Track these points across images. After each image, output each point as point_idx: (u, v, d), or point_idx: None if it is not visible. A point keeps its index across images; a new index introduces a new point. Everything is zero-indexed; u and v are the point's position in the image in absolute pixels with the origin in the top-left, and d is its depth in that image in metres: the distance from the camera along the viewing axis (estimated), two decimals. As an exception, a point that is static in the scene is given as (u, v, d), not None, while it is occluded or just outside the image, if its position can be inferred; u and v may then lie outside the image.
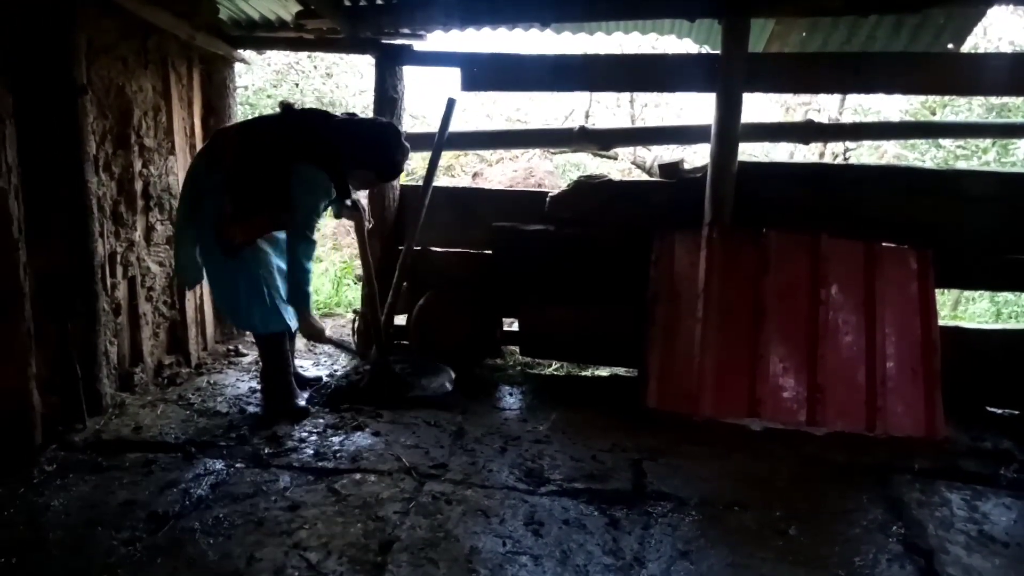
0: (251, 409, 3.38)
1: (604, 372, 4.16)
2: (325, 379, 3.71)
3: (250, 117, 3.27)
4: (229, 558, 2.21)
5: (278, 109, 3.21)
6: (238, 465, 2.80)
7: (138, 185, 3.47)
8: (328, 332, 3.43)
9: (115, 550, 2.24)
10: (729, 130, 3.54)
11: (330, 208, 3.36)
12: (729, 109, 3.52)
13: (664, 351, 3.45)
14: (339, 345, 3.73)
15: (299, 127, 3.11)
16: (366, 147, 3.14)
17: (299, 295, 3.13)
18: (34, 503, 2.50)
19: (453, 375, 3.70)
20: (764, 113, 10.00)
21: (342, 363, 4.07)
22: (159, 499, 2.54)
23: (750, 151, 8.33)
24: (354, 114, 3.35)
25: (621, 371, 4.09)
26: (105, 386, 3.21)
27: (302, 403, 3.35)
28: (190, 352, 3.88)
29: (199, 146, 3.93)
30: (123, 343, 3.43)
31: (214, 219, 3.07)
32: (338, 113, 3.27)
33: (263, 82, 9.60)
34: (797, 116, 9.37)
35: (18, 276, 2.77)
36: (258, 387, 3.52)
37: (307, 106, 3.28)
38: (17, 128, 2.74)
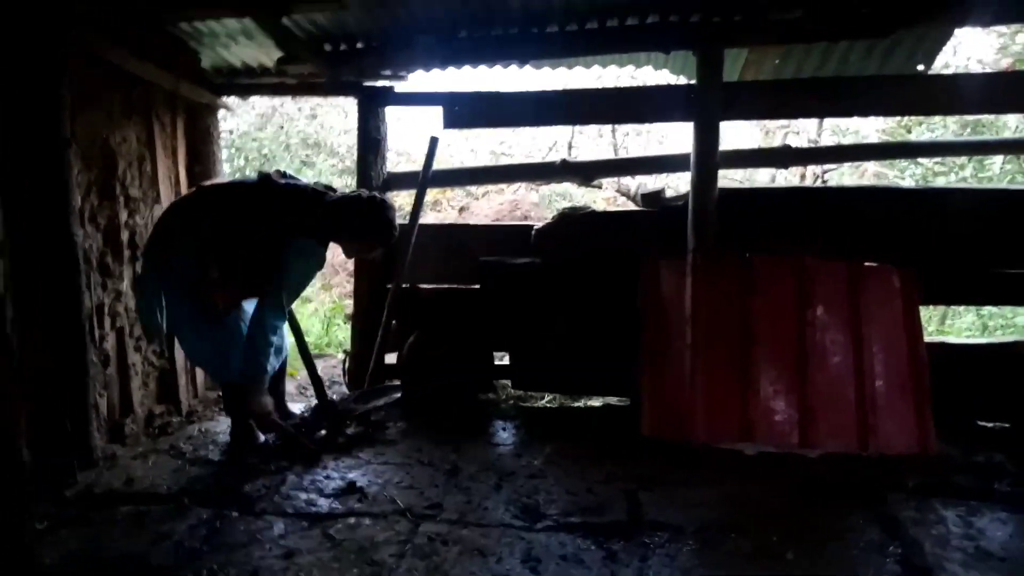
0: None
1: (597, 402, 4.16)
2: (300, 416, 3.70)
3: (228, 180, 3.29)
4: (225, 610, 2.18)
5: (255, 176, 3.30)
6: (232, 514, 2.76)
7: (124, 235, 3.48)
8: (272, 411, 3.31)
9: (110, 606, 2.21)
10: (708, 158, 3.60)
11: None
12: (707, 137, 3.59)
13: (656, 378, 3.46)
14: (285, 433, 3.37)
15: (291, 203, 3.18)
16: (364, 224, 3.24)
17: (255, 366, 3.15)
18: (29, 559, 2.46)
19: (398, 388, 3.81)
20: (744, 136, 10.15)
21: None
22: (153, 552, 2.51)
23: (732, 176, 8.44)
24: (333, 188, 3.41)
25: (614, 400, 4.09)
26: (96, 439, 3.18)
27: (261, 439, 3.42)
28: (180, 400, 3.86)
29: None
30: (113, 394, 3.41)
31: (192, 280, 3.12)
32: (319, 186, 3.35)
33: (247, 126, 9.68)
34: (777, 138, 9.50)
35: (5, 331, 2.75)
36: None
37: (285, 173, 3.35)
38: (1, 182, 2.75)
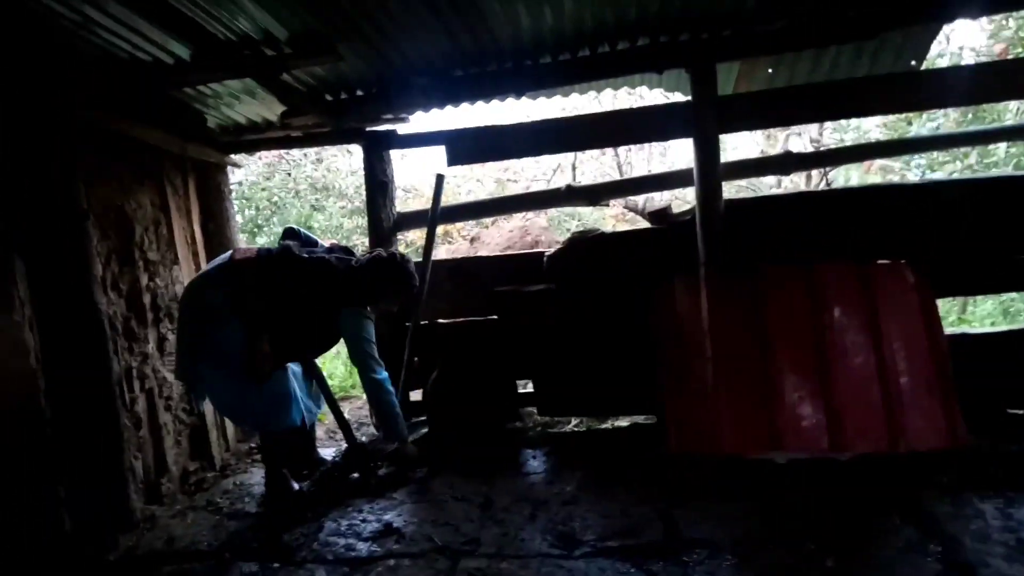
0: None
1: (624, 422, 4.17)
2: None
3: (256, 252, 3.39)
4: (274, 663, 2.21)
5: (279, 244, 3.46)
6: (273, 565, 2.80)
7: (146, 299, 3.56)
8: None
9: (161, 668, 2.25)
10: (710, 172, 3.64)
11: None
12: (707, 152, 3.62)
13: (679, 394, 3.47)
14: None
15: (325, 275, 3.35)
16: (390, 287, 3.47)
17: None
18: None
19: (424, 430, 3.93)
20: (746, 142, 10.18)
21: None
22: (199, 610, 2.56)
23: (738, 182, 8.44)
24: (349, 250, 3.61)
25: (640, 419, 4.10)
26: (134, 501, 3.24)
27: (296, 487, 3.49)
28: (213, 455, 3.91)
29: (201, 253, 4.05)
30: (147, 455, 3.47)
31: (238, 349, 3.23)
32: (334, 250, 3.56)
33: (256, 176, 9.83)
34: (779, 142, 9.52)
35: (39, 404, 2.83)
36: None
37: (298, 231, 3.65)
38: (25, 259, 2.84)
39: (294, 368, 3.51)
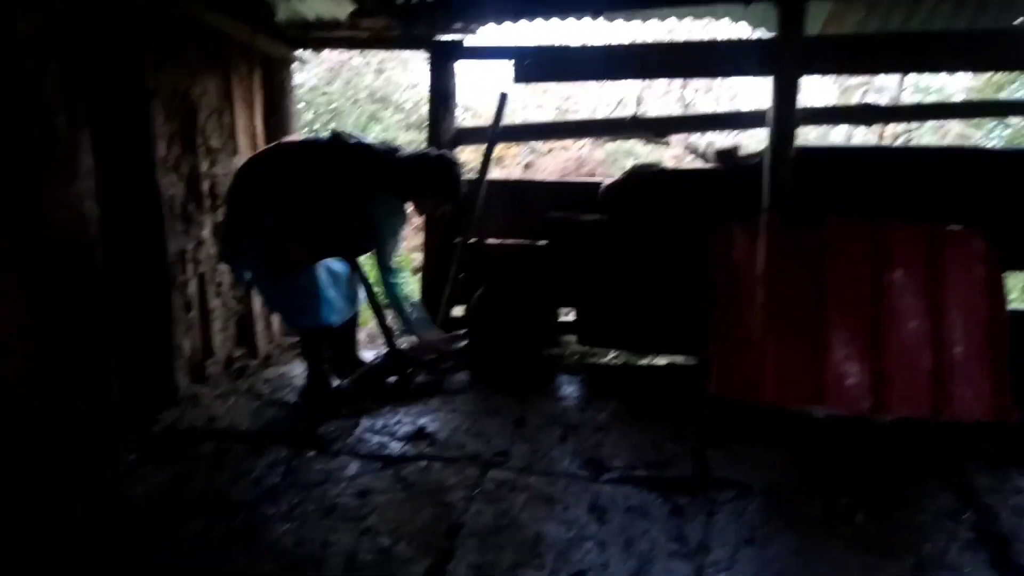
0: (317, 400, 3.48)
1: (662, 361, 4.15)
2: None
3: (304, 138, 3.39)
4: (304, 543, 2.30)
5: (327, 134, 3.37)
6: (308, 453, 2.89)
7: (205, 185, 3.60)
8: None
9: (196, 536, 2.35)
10: (786, 115, 3.49)
11: None
12: (786, 93, 3.47)
13: (725, 338, 3.43)
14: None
15: (369, 161, 3.28)
16: (433, 181, 3.36)
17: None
18: (119, 491, 2.64)
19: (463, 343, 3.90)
20: (819, 95, 9.77)
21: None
22: (234, 487, 2.66)
23: (805, 135, 8.15)
24: (399, 147, 3.50)
25: (680, 359, 4.08)
26: (180, 379, 3.35)
27: (334, 384, 3.54)
28: (257, 345, 4.01)
29: (261, 146, 4.05)
30: (195, 337, 3.57)
31: (270, 234, 3.20)
32: (387, 145, 3.45)
33: (317, 80, 9.77)
34: (855, 96, 9.12)
35: (97, 275, 2.91)
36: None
37: (352, 134, 3.44)
38: (92, 134, 2.87)
39: (333, 267, 3.46)
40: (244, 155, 3.87)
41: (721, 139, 7.48)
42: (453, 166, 3.40)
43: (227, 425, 3.18)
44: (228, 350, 3.84)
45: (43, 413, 2.67)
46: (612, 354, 4.27)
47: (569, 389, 3.67)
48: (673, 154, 8.60)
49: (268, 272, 3.29)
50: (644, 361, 4.19)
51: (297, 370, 3.80)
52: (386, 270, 3.36)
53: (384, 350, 3.66)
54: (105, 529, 2.39)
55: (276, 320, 4.23)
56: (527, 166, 8.18)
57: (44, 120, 2.58)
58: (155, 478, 2.74)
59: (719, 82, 9.82)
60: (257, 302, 3.95)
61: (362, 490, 2.60)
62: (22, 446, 2.59)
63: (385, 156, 3.32)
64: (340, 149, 3.28)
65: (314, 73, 9.66)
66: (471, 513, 2.45)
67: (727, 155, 3.86)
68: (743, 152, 3.93)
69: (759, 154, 3.67)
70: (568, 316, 4.27)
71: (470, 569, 2.15)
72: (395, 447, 2.95)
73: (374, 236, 3.34)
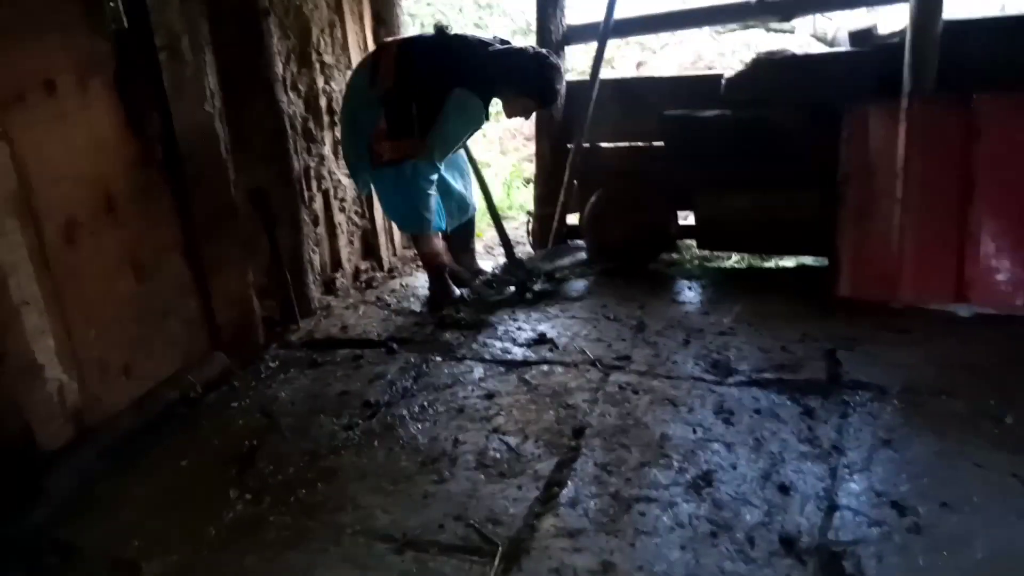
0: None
1: (789, 262, 3.97)
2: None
3: (410, 35, 3.34)
4: (437, 441, 2.41)
5: (432, 29, 3.30)
6: (436, 358, 3.00)
7: (323, 102, 3.66)
8: (441, 253, 3.51)
9: (337, 434, 2.51)
10: (934, -17, 3.12)
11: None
12: (934, -42, 3.09)
13: (857, 235, 3.23)
14: (457, 275, 3.64)
15: (458, 53, 3.19)
16: (527, 77, 3.17)
17: (414, 216, 3.33)
18: (264, 394, 2.84)
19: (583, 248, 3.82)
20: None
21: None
22: (370, 389, 2.80)
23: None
24: (507, 41, 3.34)
25: (808, 260, 3.88)
26: (312, 290, 3.53)
27: (456, 293, 3.54)
28: (382, 257, 4.15)
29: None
30: (323, 251, 3.72)
31: (369, 131, 3.25)
32: (490, 39, 3.31)
33: (421, -10, 9.64)
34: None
35: (229, 192, 3.04)
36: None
37: (460, 31, 3.31)
38: (214, 52, 2.95)
39: (445, 172, 3.43)
40: (357, 69, 3.90)
41: (851, 22, 6.83)
42: (550, 65, 3.19)
43: (359, 332, 3.33)
44: (355, 263, 3.99)
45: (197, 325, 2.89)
46: (734, 257, 4.12)
47: (690, 294, 3.59)
48: (797, 43, 7.98)
49: (376, 173, 3.33)
50: (769, 264, 4.03)
51: (420, 281, 3.91)
52: (422, 159, 3.19)
53: (501, 261, 3.69)
54: (256, 426, 2.59)
55: (397, 234, 4.33)
56: (639, 65, 7.82)
57: (171, 40, 2.66)
58: (298, 381, 2.93)
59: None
60: (379, 216, 4.06)
61: (488, 392, 2.68)
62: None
63: (477, 45, 3.22)
64: (434, 43, 3.24)
65: (419, -18, 9.51)
66: (595, 415, 2.48)
67: (863, 36, 3.52)
68: (880, 32, 3.57)
69: (899, 33, 3.32)
70: (687, 219, 4.13)
71: (597, 467, 2.19)
72: (517, 352, 3.00)
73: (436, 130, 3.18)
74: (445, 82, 3.13)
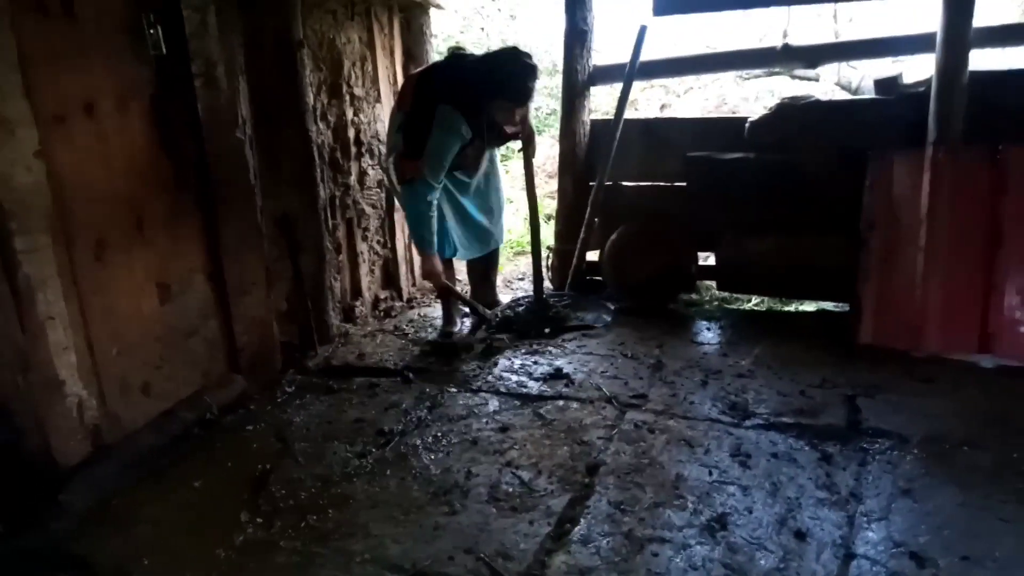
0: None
1: (809, 307, 3.95)
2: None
3: (432, 63, 3.46)
4: (449, 472, 2.40)
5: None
6: (451, 389, 3.00)
7: (351, 133, 3.73)
8: (440, 272, 3.49)
9: (350, 461, 2.51)
10: (959, 34, 3.12)
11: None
12: (960, 8, 3.11)
13: (881, 283, 3.21)
14: (458, 298, 3.68)
15: (447, 72, 3.31)
16: (491, 77, 3.20)
17: (415, 235, 3.42)
18: (280, 419, 2.85)
19: (612, 310, 3.77)
20: (995, 16, 8.73)
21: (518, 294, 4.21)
22: (384, 418, 2.80)
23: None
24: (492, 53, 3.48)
25: (828, 306, 3.86)
26: (331, 317, 3.55)
27: (450, 329, 3.64)
28: (401, 287, 4.18)
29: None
30: (344, 279, 3.76)
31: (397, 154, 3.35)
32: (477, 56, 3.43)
33: (452, 28, 9.85)
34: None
35: (256, 218, 3.10)
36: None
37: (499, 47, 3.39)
38: (247, 82, 3.03)
39: (467, 202, 3.54)
40: (386, 102, 3.98)
41: (876, 71, 6.86)
42: (524, 56, 3.21)
43: (376, 360, 3.35)
44: (374, 292, 4.02)
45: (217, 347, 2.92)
46: (754, 300, 4.10)
47: (709, 335, 3.57)
48: (822, 90, 8.02)
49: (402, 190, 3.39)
50: (789, 307, 4.00)
51: (437, 311, 3.92)
52: (420, 178, 3.24)
53: (518, 294, 3.70)
54: (270, 451, 2.60)
55: (418, 264, 4.36)
56: (662, 108, 7.91)
57: (208, 68, 2.73)
58: (313, 407, 2.94)
59: (867, 11, 8.99)
60: (400, 245, 4.10)
61: (503, 425, 2.67)
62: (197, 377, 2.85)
63: (467, 64, 3.32)
64: (447, 67, 3.37)
65: (448, 23, 9.73)
66: (610, 452, 2.46)
67: (888, 84, 3.53)
68: (905, 81, 3.59)
69: (925, 82, 3.34)
70: (707, 260, 4.13)
71: (611, 505, 2.17)
72: (533, 386, 3.00)
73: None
74: (435, 101, 3.22)
